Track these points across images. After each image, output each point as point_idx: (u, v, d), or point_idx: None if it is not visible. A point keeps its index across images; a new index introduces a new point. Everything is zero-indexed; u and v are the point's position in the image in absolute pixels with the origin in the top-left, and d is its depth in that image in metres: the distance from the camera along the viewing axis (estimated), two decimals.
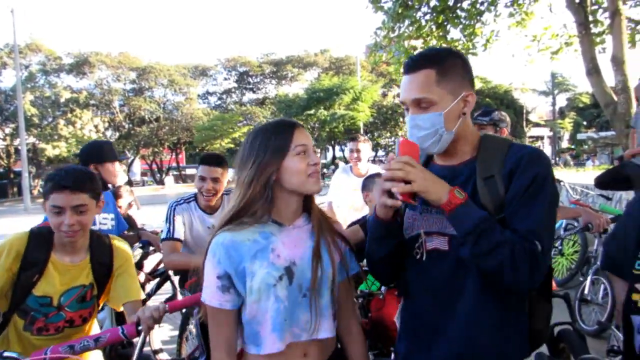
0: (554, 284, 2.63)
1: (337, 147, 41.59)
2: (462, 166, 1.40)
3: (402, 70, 1.44)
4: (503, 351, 1.33)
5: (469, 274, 1.31)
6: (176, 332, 3.55)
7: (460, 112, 1.37)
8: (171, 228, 2.79)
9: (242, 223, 1.38)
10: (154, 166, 47.76)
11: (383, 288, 2.79)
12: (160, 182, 42.74)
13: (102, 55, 40.02)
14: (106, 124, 40.62)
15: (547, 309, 1.46)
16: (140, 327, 1.64)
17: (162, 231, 2.97)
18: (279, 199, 1.41)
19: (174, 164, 48.96)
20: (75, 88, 40.03)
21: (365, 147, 4.02)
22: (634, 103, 9.51)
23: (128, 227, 3.67)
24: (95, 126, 36.77)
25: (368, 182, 2.93)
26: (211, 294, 1.37)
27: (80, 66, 39.38)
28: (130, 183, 6.00)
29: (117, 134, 42.02)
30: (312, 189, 1.41)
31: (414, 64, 1.36)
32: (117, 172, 3.33)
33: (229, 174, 2.98)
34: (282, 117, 1.58)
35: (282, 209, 1.43)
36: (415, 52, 10.97)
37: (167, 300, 3.45)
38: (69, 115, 35.32)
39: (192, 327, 3.03)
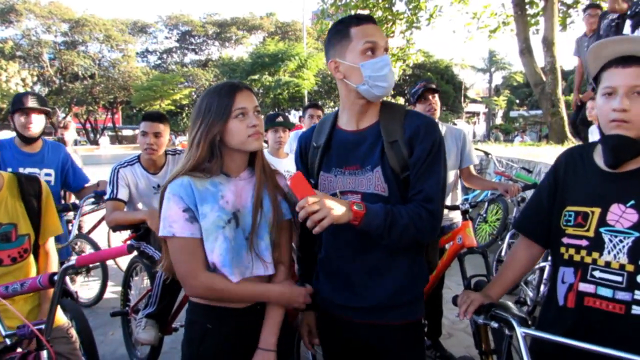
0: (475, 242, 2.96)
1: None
2: (368, 130, 1.59)
3: None
4: (414, 283, 1.63)
5: None
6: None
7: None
8: (114, 189, 2.89)
9: (195, 175, 1.54)
10: (88, 125, 45.53)
11: None
12: (95, 142, 40.91)
13: (30, 4, 37.23)
14: (35, 78, 38.04)
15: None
16: (55, 278, 1.71)
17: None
18: (226, 154, 1.57)
19: (110, 124, 46.88)
20: None
21: (322, 114, 4.45)
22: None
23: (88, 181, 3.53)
24: (23, 79, 34.38)
25: None
26: (182, 227, 1.49)
27: (5, 14, 36.51)
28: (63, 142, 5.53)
29: (47, 89, 39.55)
30: (251, 147, 1.56)
31: None
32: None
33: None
34: (230, 80, 1.73)
35: (229, 163, 1.59)
36: None
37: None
38: None
39: (137, 279, 3.13)
